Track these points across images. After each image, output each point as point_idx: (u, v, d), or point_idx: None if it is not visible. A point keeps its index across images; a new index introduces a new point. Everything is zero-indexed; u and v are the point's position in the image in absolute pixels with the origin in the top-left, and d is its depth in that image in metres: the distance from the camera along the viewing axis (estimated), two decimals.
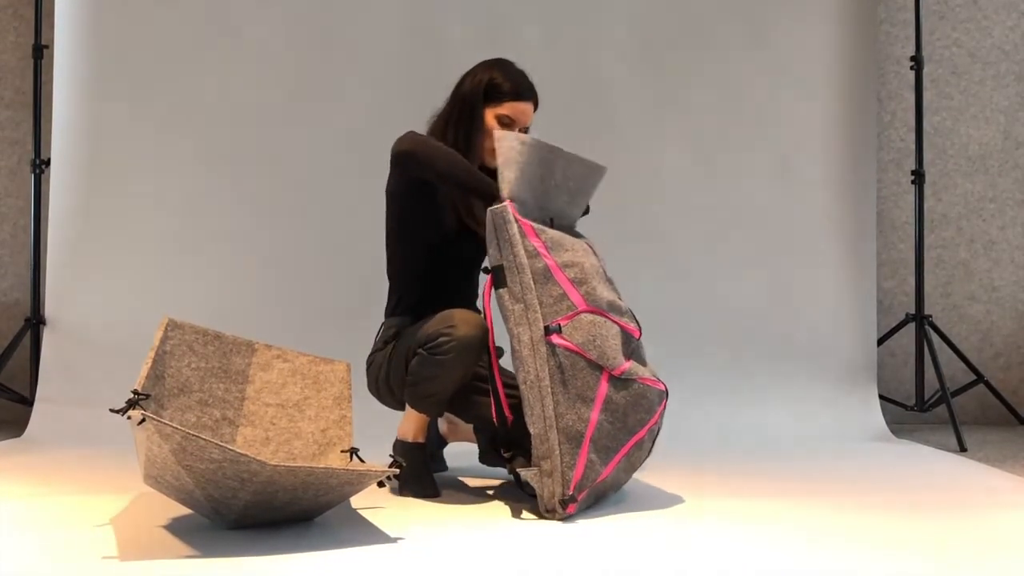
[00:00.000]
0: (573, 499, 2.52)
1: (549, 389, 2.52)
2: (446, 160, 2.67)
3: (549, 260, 2.60)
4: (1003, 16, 4.45)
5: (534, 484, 2.56)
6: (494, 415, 2.66)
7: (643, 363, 2.78)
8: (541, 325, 2.54)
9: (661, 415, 2.74)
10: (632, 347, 2.73)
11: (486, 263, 2.63)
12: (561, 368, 2.53)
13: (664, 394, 2.73)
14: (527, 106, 2.86)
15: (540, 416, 2.52)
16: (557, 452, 2.51)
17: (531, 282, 2.56)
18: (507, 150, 2.61)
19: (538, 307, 2.55)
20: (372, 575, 2.08)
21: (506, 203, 2.57)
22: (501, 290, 2.58)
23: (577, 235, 2.84)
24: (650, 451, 2.78)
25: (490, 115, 2.83)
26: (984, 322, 4.43)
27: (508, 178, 2.60)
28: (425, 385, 2.69)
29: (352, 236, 4.03)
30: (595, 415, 2.56)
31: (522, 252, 2.56)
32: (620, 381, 2.61)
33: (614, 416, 2.59)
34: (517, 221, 2.57)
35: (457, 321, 2.65)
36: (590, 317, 2.59)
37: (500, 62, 2.89)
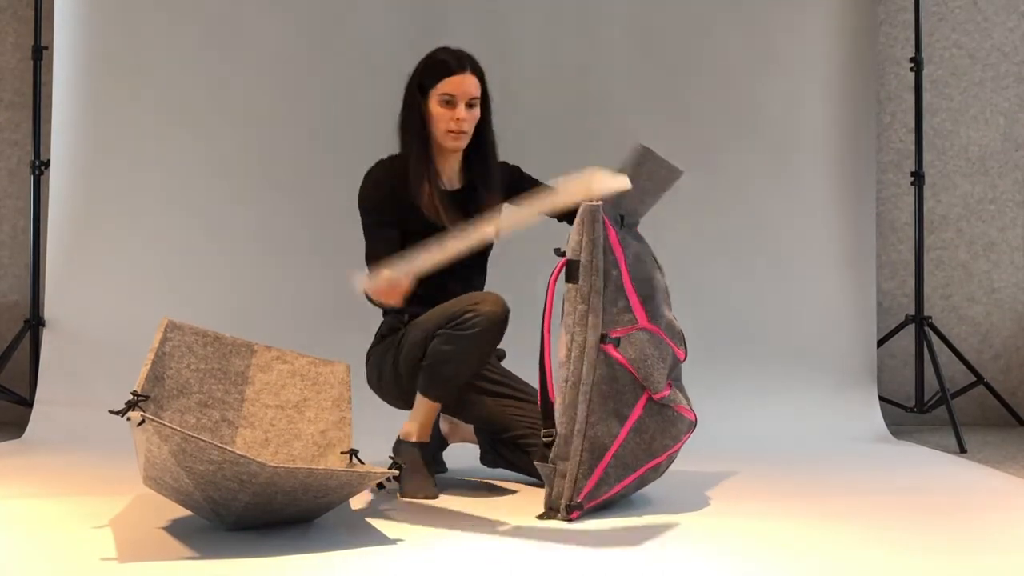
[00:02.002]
0: (580, 507, 2.51)
1: (588, 396, 2.49)
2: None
3: (624, 271, 2.57)
4: (1003, 17, 4.45)
5: (546, 479, 2.55)
6: (539, 398, 2.63)
7: (681, 386, 2.77)
8: (599, 332, 2.51)
9: (684, 443, 2.75)
10: (675, 371, 2.73)
11: (562, 246, 2.56)
12: (606, 379, 2.51)
13: (693, 424, 2.74)
14: (463, 77, 2.81)
15: (571, 419, 2.50)
16: (577, 458, 2.50)
17: (602, 287, 2.52)
18: (636, 167, 2.58)
19: (601, 313, 2.52)
20: None
21: (600, 204, 2.53)
22: (570, 284, 2.53)
23: (640, 238, 2.82)
24: (663, 472, 2.78)
25: (432, 102, 2.81)
26: (984, 323, 4.42)
27: (630, 193, 2.56)
28: (444, 367, 2.68)
29: (353, 238, 4.01)
30: (624, 433, 2.55)
31: (601, 255, 2.52)
32: (657, 405, 2.60)
33: (641, 438, 2.59)
34: (605, 224, 2.54)
35: (481, 299, 2.67)
36: (647, 335, 2.57)
37: (430, 52, 2.88)
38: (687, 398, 2.76)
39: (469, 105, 2.82)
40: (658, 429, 2.62)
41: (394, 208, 2.82)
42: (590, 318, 2.51)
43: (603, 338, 2.50)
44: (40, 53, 4.05)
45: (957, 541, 2.38)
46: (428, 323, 2.72)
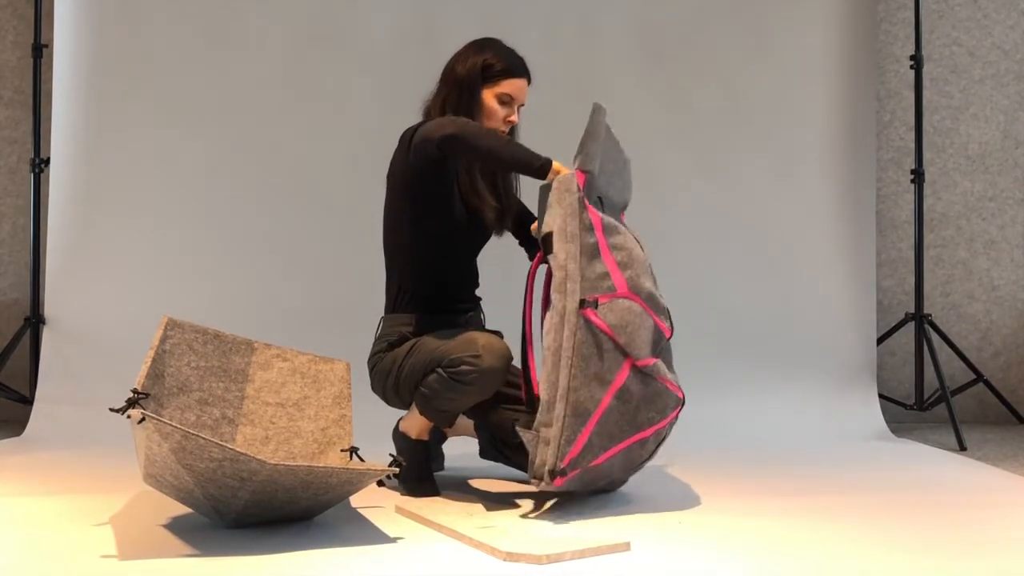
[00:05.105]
0: (563, 472, 2.49)
1: (570, 360, 2.49)
2: (490, 137, 2.64)
3: (600, 237, 2.57)
4: (1003, 15, 4.45)
5: (529, 447, 2.53)
6: (523, 393, 2.67)
7: (669, 365, 2.77)
8: (578, 296, 2.51)
9: (672, 422, 2.74)
10: (661, 346, 2.72)
11: (538, 230, 2.59)
12: (587, 343, 2.50)
13: (680, 401, 2.73)
14: (523, 82, 2.87)
15: (552, 384, 2.50)
16: (560, 423, 2.49)
17: (578, 253, 2.53)
18: (596, 124, 2.57)
19: (579, 278, 2.52)
20: (371, 574, 2.08)
21: (575, 172, 2.54)
22: (549, 256, 2.55)
23: (620, 221, 2.83)
24: (652, 454, 2.77)
25: (488, 95, 2.83)
26: (984, 321, 4.43)
27: (589, 151, 2.56)
28: (440, 402, 2.69)
29: (352, 235, 4.03)
30: (608, 399, 2.54)
31: (576, 223, 2.53)
32: (641, 373, 2.59)
33: (626, 406, 2.58)
34: (580, 192, 2.54)
35: (483, 350, 2.63)
36: (627, 303, 2.57)
37: (490, 42, 2.89)
38: (675, 377, 2.75)
39: (519, 109, 2.88)
40: (643, 399, 2.60)
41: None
42: (568, 284, 2.52)
43: (582, 303, 2.51)
44: (40, 51, 4.05)
45: (957, 539, 2.38)
46: (431, 352, 2.70)
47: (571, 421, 2.49)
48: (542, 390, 2.52)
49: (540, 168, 2.60)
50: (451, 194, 2.83)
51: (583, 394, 2.51)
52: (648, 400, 2.62)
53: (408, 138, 2.80)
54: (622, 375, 2.56)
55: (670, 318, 2.74)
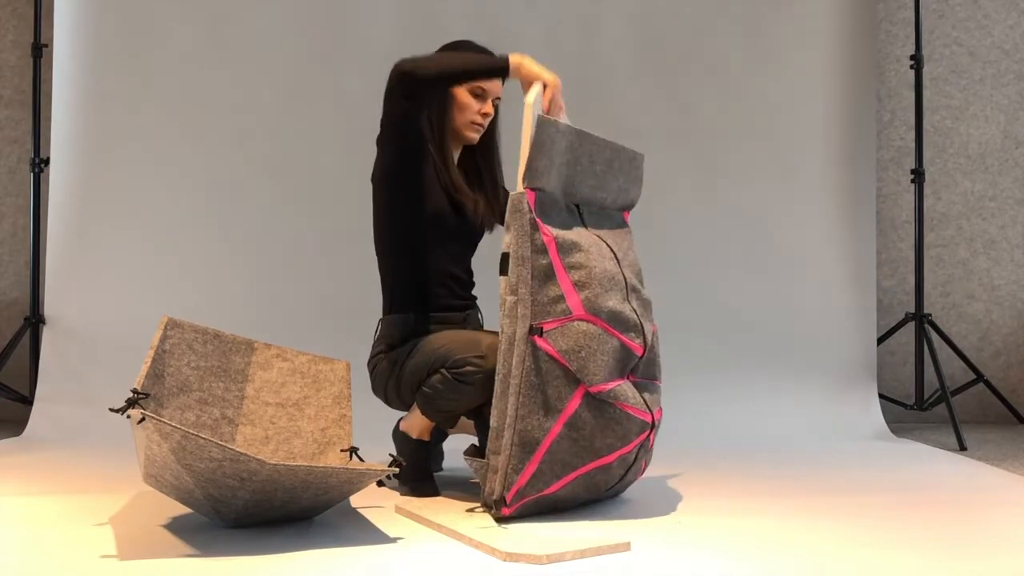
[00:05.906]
0: (505, 502, 2.47)
1: (518, 388, 2.44)
2: (439, 58, 2.66)
3: (555, 258, 2.51)
4: (1003, 15, 4.45)
5: (478, 476, 2.52)
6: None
7: (653, 377, 2.71)
8: (528, 323, 2.46)
9: (640, 446, 2.62)
10: (634, 364, 2.63)
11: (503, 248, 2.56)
12: (536, 371, 2.45)
13: (647, 426, 2.61)
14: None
15: (502, 412, 2.46)
16: (508, 452, 2.45)
17: (529, 277, 2.48)
18: (542, 136, 2.50)
19: (529, 303, 2.47)
20: (371, 574, 2.08)
21: (524, 192, 2.49)
22: (501, 277, 2.50)
23: (616, 224, 2.78)
24: (623, 478, 2.67)
25: (461, 90, 2.83)
26: (984, 321, 4.43)
27: (534, 167, 2.49)
28: (442, 402, 2.69)
29: (352, 235, 4.02)
30: (557, 428, 2.48)
31: (528, 245, 2.48)
32: (595, 400, 2.51)
33: (579, 434, 2.50)
34: (531, 212, 2.49)
35: (487, 351, 2.61)
36: (584, 326, 2.50)
37: (460, 43, 2.90)
38: (649, 398, 2.65)
39: (494, 102, 2.88)
40: (599, 426, 2.51)
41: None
42: (519, 309, 2.47)
43: (531, 329, 2.47)
44: (40, 51, 4.05)
45: (957, 539, 2.38)
46: (434, 353, 2.69)
47: (518, 451, 2.45)
48: (493, 417, 2.48)
49: (501, 68, 2.63)
50: (430, 188, 2.81)
51: (531, 423, 2.45)
52: (604, 427, 2.52)
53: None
54: (573, 403, 2.48)
55: (643, 334, 2.64)
